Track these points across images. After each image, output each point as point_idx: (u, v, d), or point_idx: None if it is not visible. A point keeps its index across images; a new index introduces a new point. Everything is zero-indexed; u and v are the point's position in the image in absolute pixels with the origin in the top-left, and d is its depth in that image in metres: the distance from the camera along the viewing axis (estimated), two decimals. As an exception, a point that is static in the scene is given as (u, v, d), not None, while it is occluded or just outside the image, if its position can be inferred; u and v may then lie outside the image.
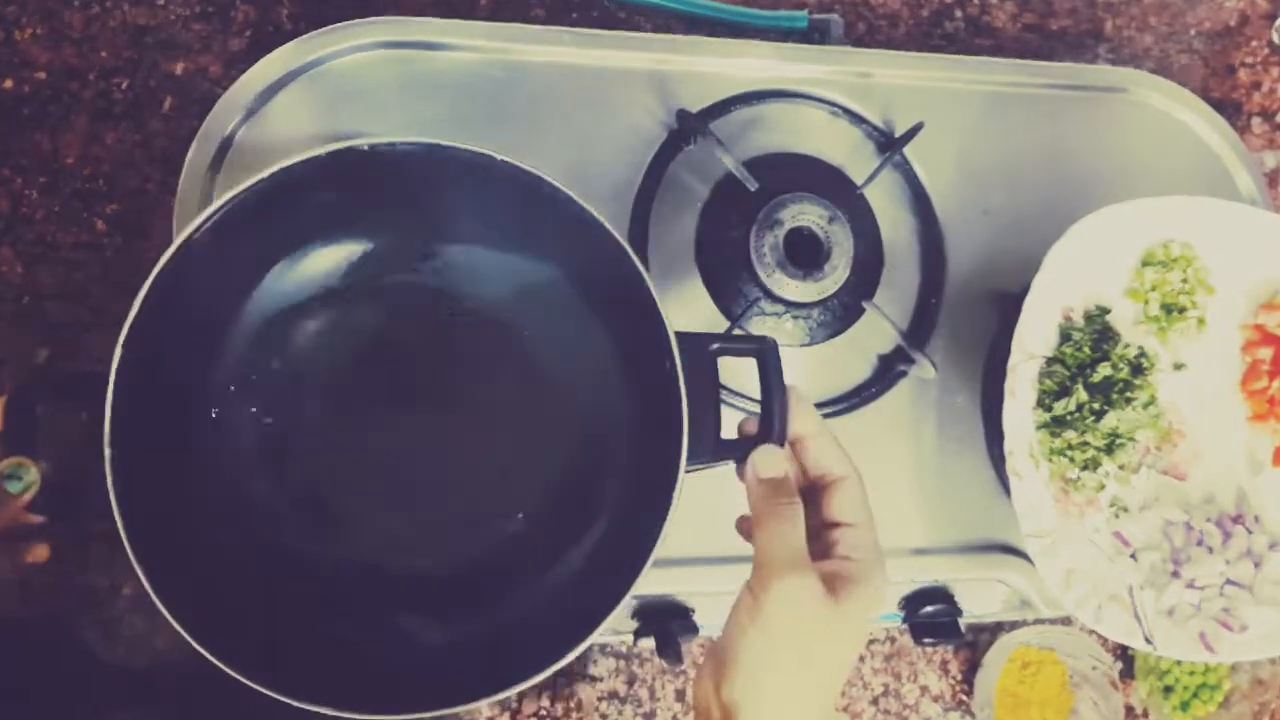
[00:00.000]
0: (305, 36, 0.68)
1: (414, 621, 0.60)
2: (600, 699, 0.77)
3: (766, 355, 0.54)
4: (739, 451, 0.54)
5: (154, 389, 0.54)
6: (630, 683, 0.77)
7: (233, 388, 0.60)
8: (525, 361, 0.63)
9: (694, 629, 0.69)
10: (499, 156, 0.55)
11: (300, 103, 0.67)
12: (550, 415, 0.63)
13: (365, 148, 0.54)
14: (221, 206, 0.53)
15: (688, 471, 0.54)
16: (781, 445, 0.53)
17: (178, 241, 0.52)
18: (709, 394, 0.55)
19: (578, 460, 0.63)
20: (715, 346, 0.56)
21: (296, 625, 0.57)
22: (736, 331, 0.70)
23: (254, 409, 0.60)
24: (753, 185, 0.71)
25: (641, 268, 0.55)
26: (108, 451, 0.50)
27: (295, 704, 0.51)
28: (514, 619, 0.59)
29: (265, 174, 0.53)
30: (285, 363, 0.61)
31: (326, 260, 0.61)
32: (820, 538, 0.51)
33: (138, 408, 0.52)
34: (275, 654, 0.54)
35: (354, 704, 0.51)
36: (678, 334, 0.54)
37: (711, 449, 0.54)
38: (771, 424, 0.53)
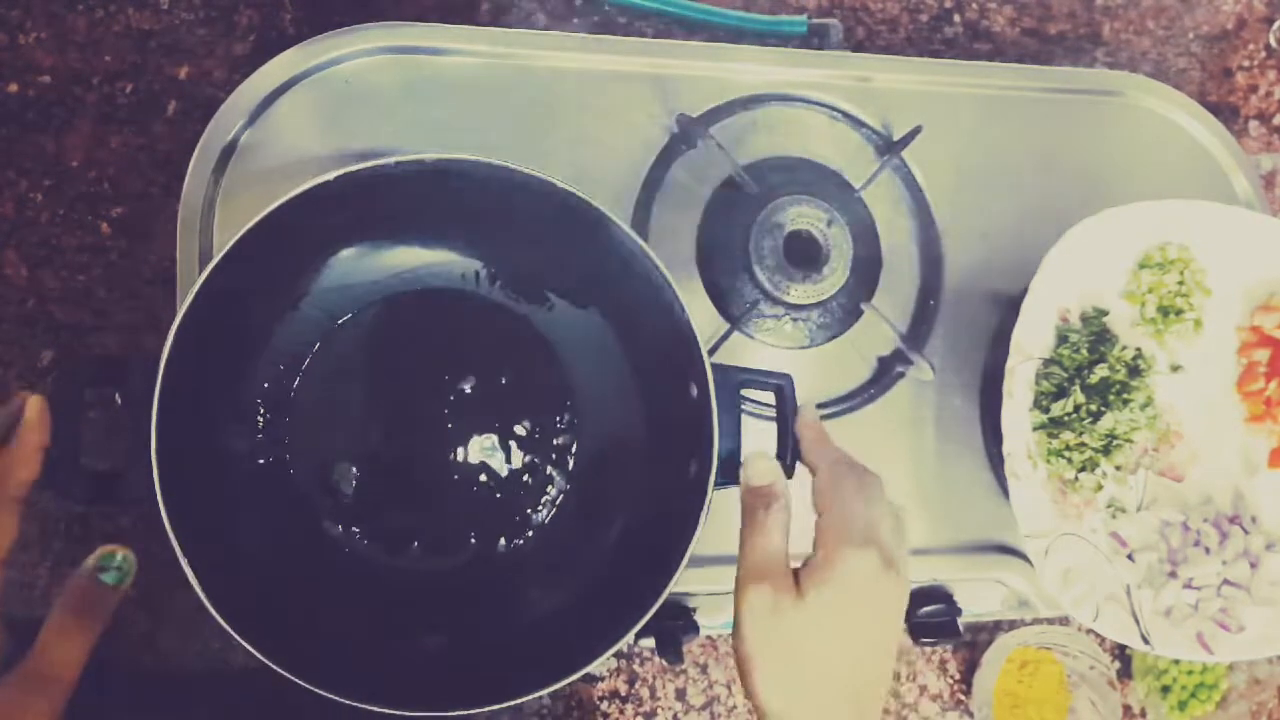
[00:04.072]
0: (308, 41, 0.68)
1: (430, 627, 0.61)
2: (600, 698, 0.77)
3: (784, 390, 0.60)
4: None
5: (198, 383, 0.55)
6: (631, 682, 0.78)
7: (269, 387, 0.63)
8: (551, 371, 0.66)
9: (694, 628, 0.70)
10: (561, 184, 0.58)
11: (303, 107, 0.68)
12: (571, 426, 0.66)
13: (430, 160, 0.56)
14: (285, 202, 0.54)
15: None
16: (791, 475, 0.57)
17: (240, 233, 0.54)
18: (734, 420, 0.59)
19: (596, 472, 0.65)
20: (741, 379, 0.60)
21: (331, 615, 0.60)
22: (735, 333, 0.71)
23: (289, 412, 0.63)
24: (752, 188, 0.72)
25: (682, 302, 0.58)
26: (154, 442, 0.51)
27: (334, 697, 0.52)
28: (540, 626, 0.62)
29: (331, 175, 0.55)
30: (327, 360, 0.64)
31: (382, 262, 0.64)
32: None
33: (182, 400, 0.53)
34: (307, 640, 0.56)
35: (393, 700, 0.53)
36: (712, 365, 0.58)
37: (733, 471, 0.58)
38: (785, 450, 0.58)
